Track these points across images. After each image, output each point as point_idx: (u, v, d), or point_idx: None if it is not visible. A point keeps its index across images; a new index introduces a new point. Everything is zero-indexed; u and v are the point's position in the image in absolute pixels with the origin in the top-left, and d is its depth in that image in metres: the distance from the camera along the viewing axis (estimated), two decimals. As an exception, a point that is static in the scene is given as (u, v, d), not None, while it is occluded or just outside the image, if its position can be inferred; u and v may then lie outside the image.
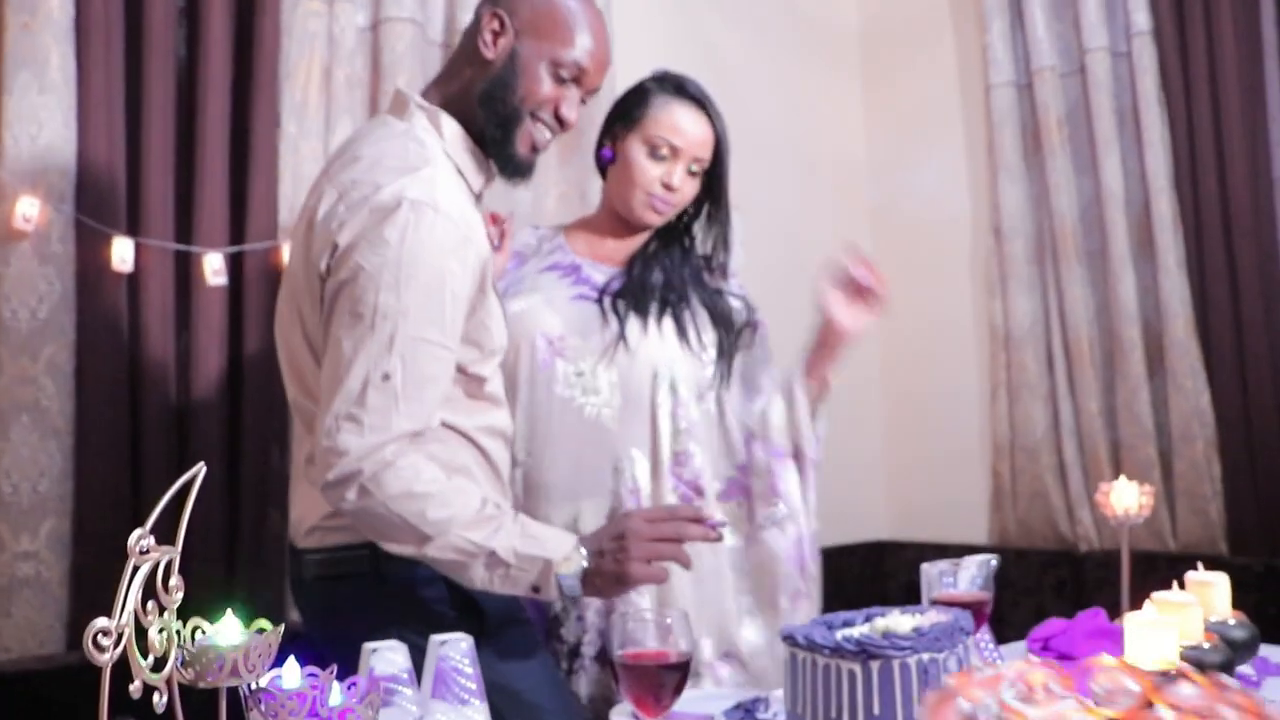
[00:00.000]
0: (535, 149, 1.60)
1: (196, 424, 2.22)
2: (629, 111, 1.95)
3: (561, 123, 1.60)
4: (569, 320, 1.89)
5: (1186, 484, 2.82)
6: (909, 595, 3.62)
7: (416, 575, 1.53)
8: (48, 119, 2.05)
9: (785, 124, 3.54)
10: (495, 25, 1.55)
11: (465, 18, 2.47)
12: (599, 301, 1.91)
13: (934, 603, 1.53)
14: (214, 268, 2.21)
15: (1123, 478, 1.73)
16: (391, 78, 2.46)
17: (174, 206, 2.22)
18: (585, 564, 1.43)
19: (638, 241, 2.01)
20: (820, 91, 3.67)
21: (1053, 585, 3.12)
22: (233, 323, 2.28)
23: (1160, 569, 2.84)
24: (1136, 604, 1.86)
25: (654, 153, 1.90)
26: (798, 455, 1.98)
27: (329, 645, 1.60)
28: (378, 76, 2.51)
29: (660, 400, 1.87)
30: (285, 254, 2.28)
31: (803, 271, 3.51)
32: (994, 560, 1.55)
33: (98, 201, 2.10)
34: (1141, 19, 2.89)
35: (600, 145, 2.01)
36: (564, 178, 2.85)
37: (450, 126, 1.57)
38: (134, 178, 2.17)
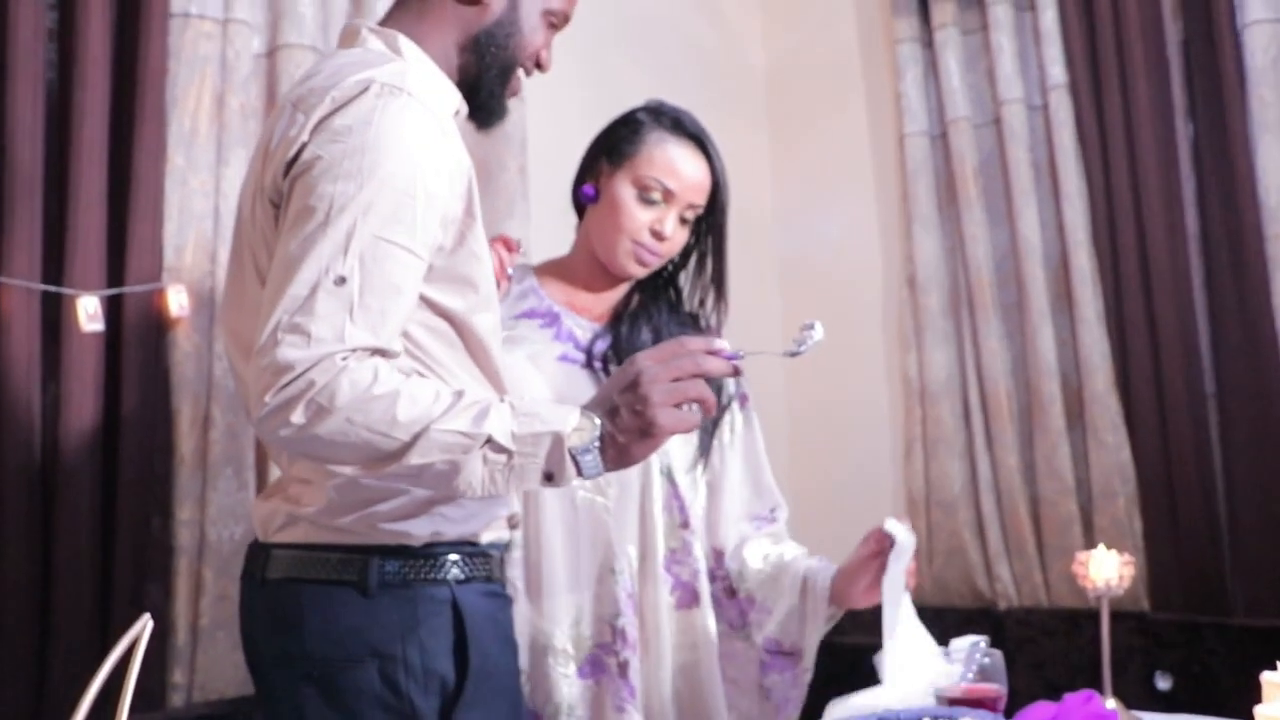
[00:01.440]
0: (514, 94, 1.49)
1: (64, 489, 1.96)
2: (617, 146, 1.75)
3: (539, 67, 1.49)
4: (556, 385, 1.68)
5: (1108, 540, 2.76)
6: (819, 656, 3.51)
7: (420, 596, 1.31)
8: (-105, 142, 1.81)
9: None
10: None
11: (371, 47, 2.30)
12: (588, 365, 1.72)
13: (948, 701, 1.39)
14: (89, 312, 1.97)
15: (1101, 546, 1.64)
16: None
17: (43, 243, 1.97)
18: (599, 428, 1.19)
19: (617, 294, 1.82)
20: (726, 136, 3.58)
21: (972, 645, 3.05)
22: (109, 374, 2.03)
23: (1083, 625, 2.80)
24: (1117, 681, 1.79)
25: (645, 195, 1.71)
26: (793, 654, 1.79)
27: (279, 668, 1.35)
28: (273, 107, 2.31)
29: (654, 489, 1.68)
30: (171, 297, 2.07)
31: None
32: (983, 642, 1.43)
33: (-47, 236, 1.86)
34: (1057, 72, 2.89)
35: (580, 181, 1.81)
36: (471, 220, 2.69)
37: (411, 49, 1.37)
38: (-5, 210, 1.93)
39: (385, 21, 1.45)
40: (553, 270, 1.86)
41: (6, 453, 1.91)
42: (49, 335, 1.98)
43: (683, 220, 1.75)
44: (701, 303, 1.85)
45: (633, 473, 1.66)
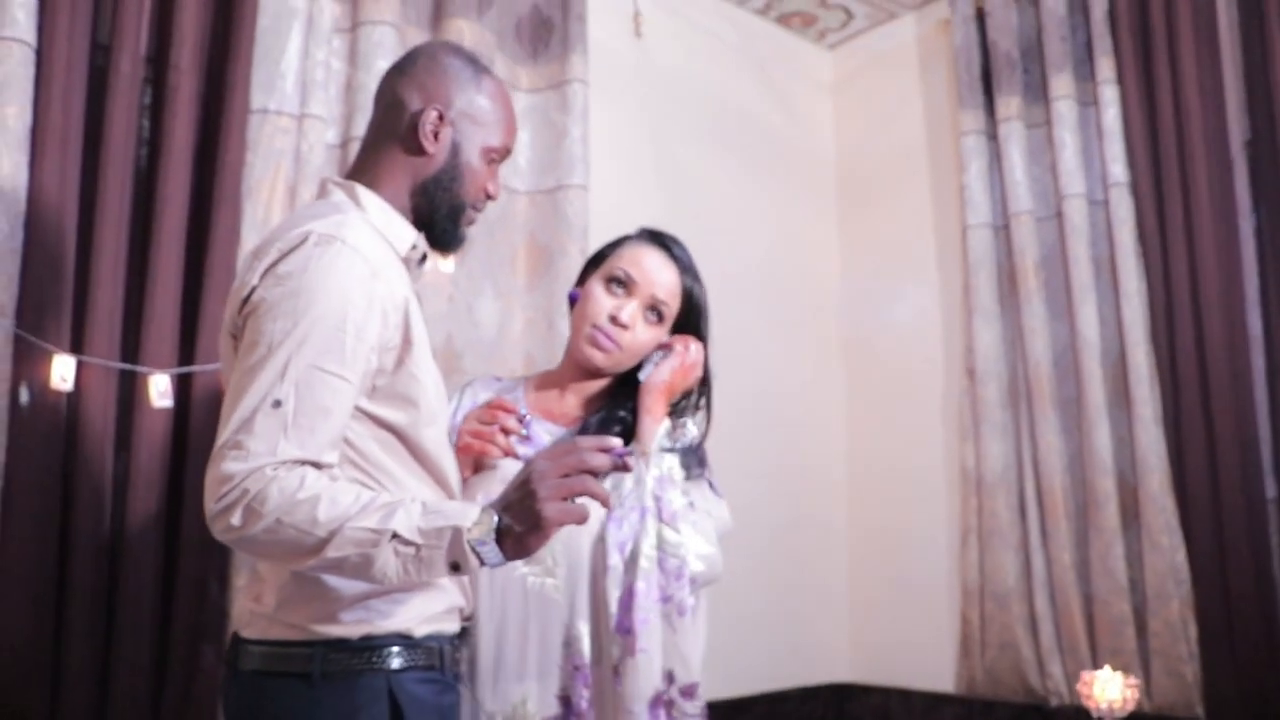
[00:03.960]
0: (471, 224, 1.64)
1: (130, 553, 2.09)
2: (601, 254, 1.87)
3: (489, 198, 1.64)
4: (509, 481, 1.76)
5: (1161, 643, 2.73)
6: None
7: (358, 685, 1.42)
8: (-6, 228, 1.97)
9: (758, 255, 3.52)
10: (435, 119, 1.57)
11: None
12: None
13: None
14: (160, 389, 2.11)
15: (1106, 668, 1.63)
16: (360, 197, 2.40)
17: (121, 323, 2.12)
18: (496, 523, 1.32)
19: (595, 402, 1.87)
20: (795, 225, 3.66)
21: (1022, 742, 3.01)
22: (176, 446, 2.16)
23: (1134, 731, 2.75)
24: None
25: (609, 285, 1.80)
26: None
27: None
28: (345, 195, 2.44)
29: (604, 566, 1.70)
30: (236, 376, 2.19)
31: (772, 405, 3.47)
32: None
33: (40, 317, 2.01)
34: (1118, 170, 2.90)
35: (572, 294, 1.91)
36: (531, 303, 2.78)
37: (368, 197, 1.55)
38: (81, 293, 2.08)
39: (350, 173, 1.62)
40: (539, 380, 1.94)
41: (79, 516, 2.04)
42: (123, 409, 2.12)
43: (649, 319, 1.81)
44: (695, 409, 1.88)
45: (585, 548, 1.71)
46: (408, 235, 1.56)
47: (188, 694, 2.15)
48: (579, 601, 1.70)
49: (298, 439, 1.32)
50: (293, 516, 1.28)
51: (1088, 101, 3.03)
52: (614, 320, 1.78)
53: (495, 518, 1.32)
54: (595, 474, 1.34)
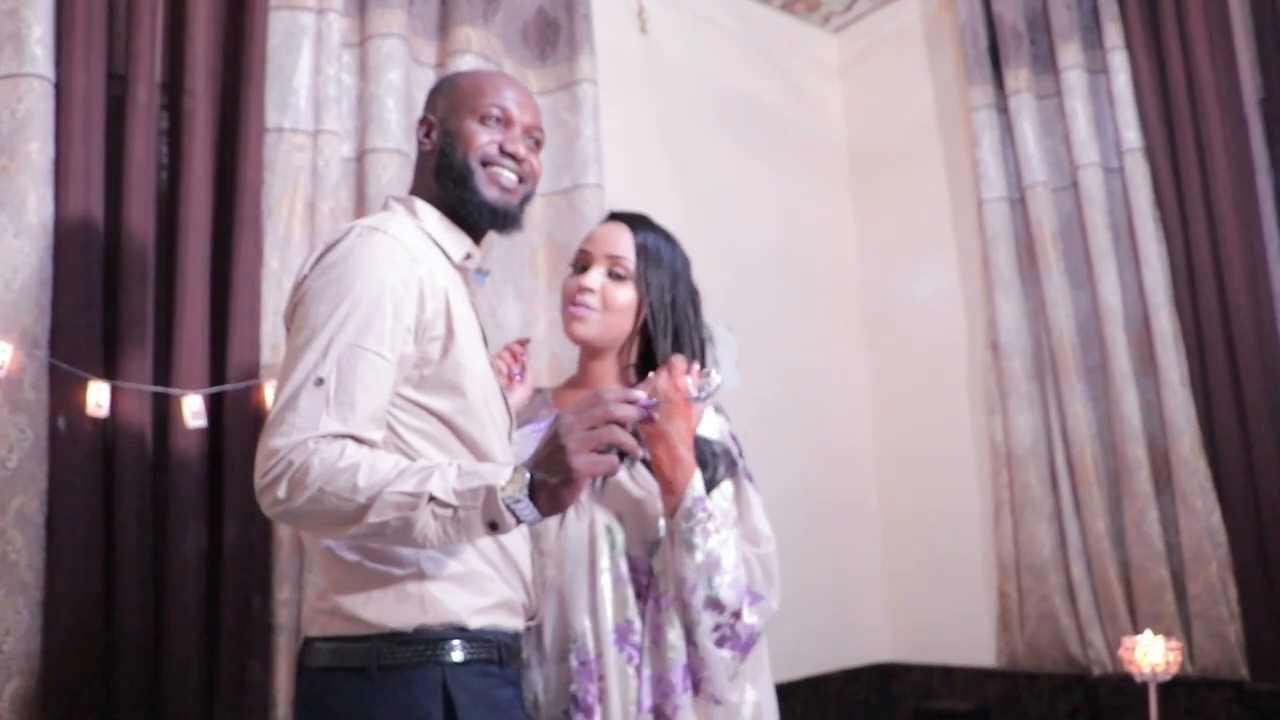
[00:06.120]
0: (505, 189, 1.66)
1: (173, 574, 2.12)
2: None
3: (514, 158, 1.66)
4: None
5: (1202, 606, 2.73)
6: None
7: (415, 678, 1.46)
8: (23, 263, 2.00)
9: (775, 241, 3.53)
10: (425, 126, 1.71)
11: (452, 147, 2.46)
12: None
13: None
14: (193, 409, 2.14)
15: (1148, 632, 1.64)
16: (377, 208, 2.42)
17: (152, 347, 2.16)
18: (529, 480, 1.35)
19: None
20: (811, 210, 3.67)
21: (1066, 712, 3.01)
22: (213, 465, 2.20)
23: (1179, 695, 2.74)
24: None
25: (575, 270, 1.88)
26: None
27: None
28: (363, 207, 2.48)
29: (601, 561, 1.73)
30: (267, 392, 2.23)
31: (798, 389, 3.48)
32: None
33: (73, 345, 2.04)
34: (1131, 136, 2.89)
35: None
36: (553, 303, 2.80)
37: (424, 208, 1.65)
38: (111, 320, 2.12)
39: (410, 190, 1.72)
40: (566, 383, 2.01)
41: (122, 538, 2.08)
42: (158, 431, 2.15)
43: (613, 276, 1.85)
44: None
45: (584, 540, 1.74)
46: (463, 243, 1.65)
47: (237, 709, 2.18)
48: (579, 597, 1.73)
49: (339, 414, 1.38)
50: (334, 485, 1.33)
51: (1097, 69, 3.03)
52: (581, 288, 1.84)
53: (527, 475, 1.35)
54: (622, 425, 1.36)
